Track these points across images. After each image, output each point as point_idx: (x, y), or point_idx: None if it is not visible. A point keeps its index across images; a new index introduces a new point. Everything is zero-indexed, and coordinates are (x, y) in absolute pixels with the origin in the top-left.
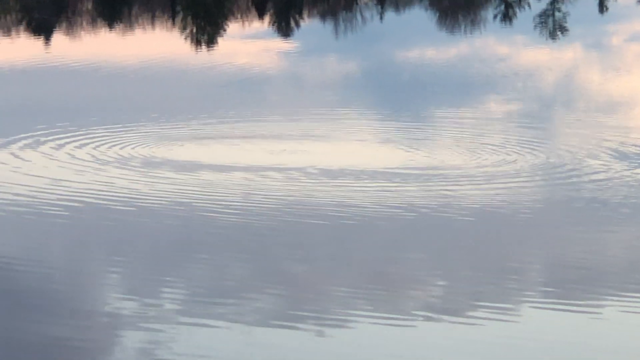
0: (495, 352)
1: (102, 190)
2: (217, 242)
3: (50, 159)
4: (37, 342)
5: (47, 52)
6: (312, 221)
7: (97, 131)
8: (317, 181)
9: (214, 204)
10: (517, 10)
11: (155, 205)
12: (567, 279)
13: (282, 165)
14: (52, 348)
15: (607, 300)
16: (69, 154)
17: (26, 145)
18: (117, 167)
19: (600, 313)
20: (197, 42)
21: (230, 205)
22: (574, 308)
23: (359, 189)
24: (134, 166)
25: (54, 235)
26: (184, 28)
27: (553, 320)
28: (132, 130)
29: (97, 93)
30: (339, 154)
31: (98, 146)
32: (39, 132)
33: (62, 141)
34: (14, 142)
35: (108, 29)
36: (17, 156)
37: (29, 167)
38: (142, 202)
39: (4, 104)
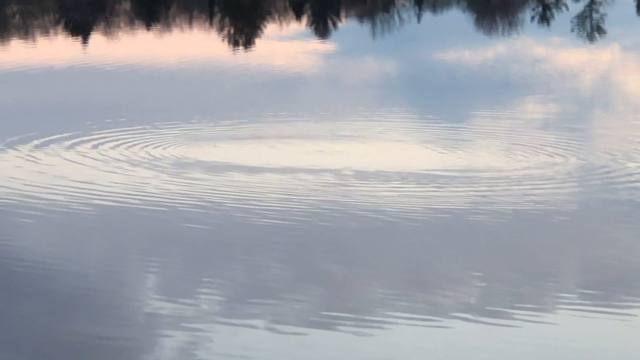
0: (532, 355)
1: (140, 191)
2: (254, 243)
3: (86, 158)
4: (77, 342)
5: (84, 53)
6: (349, 223)
7: (134, 131)
8: (354, 182)
9: (250, 204)
10: (554, 11)
11: (192, 206)
12: (604, 282)
13: (319, 166)
14: (92, 348)
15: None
16: (105, 155)
17: (61, 146)
18: (153, 168)
19: (638, 317)
20: (235, 43)
21: (267, 206)
22: (611, 311)
23: (395, 190)
24: (169, 167)
25: (91, 236)
26: (221, 29)
27: (590, 323)
28: (168, 130)
29: (133, 94)
30: (375, 155)
31: (134, 146)
32: (74, 132)
33: (98, 141)
34: (50, 142)
35: (145, 30)
36: (52, 156)
37: (64, 167)
38: (178, 203)
39: (42, 105)
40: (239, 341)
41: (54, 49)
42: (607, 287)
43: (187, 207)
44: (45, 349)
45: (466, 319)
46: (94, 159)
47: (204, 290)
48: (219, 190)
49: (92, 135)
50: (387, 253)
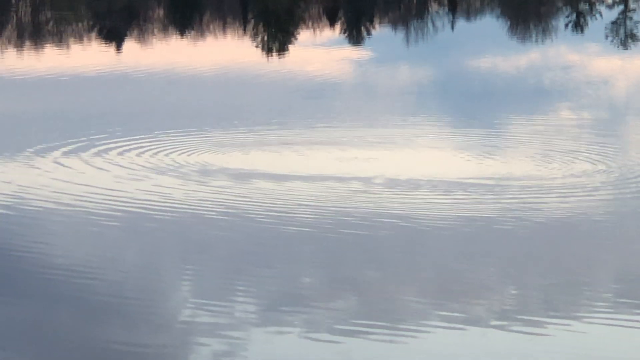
0: None
1: (171, 199)
2: (286, 251)
3: (115, 165)
4: (110, 349)
5: (118, 60)
6: (381, 231)
7: (168, 137)
8: (386, 190)
9: (283, 212)
10: (588, 18)
11: (225, 214)
12: (637, 291)
13: (351, 173)
14: (126, 355)
15: None
16: (133, 162)
17: (93, 152)
18: (183, 175)
19: None
20: (268, 50)
21: (299, 214)
22: None
23: (427, 198)
24: (200, 174)
25: (122, 244)
26: (255, 35)
27: (623, 333)
28: (201, 137)
29: (167, 100)
30: (409, 162)
31: (162, 153)
32: (105, 138)
33: (130, 147)
34: (81, 148)
35: (179, 36)
36: (84, 162)
37: (99, 174)
38: (209, 211)
39: (76, 111)
40: (274, 349)
41: (87, 56)
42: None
43: (219, 215)
44: (79, 356)
45: (500, 327)
46: (124, 166)
47: (238, 298)
48: (251, 198)
49: (126, 141)
50: (420, 261)
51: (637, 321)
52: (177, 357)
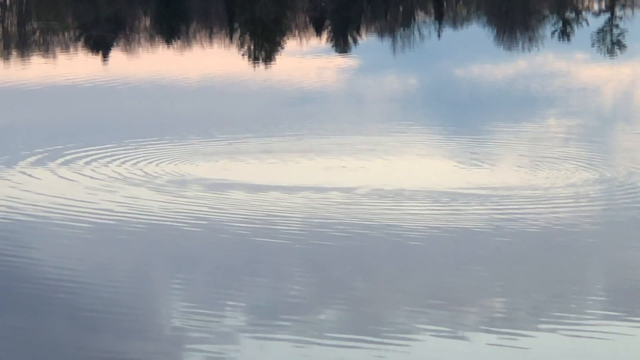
0: None
1: (161, 208)
2: (273, 262)
3: (88, 175)
4: (102, 359)
5: (104, 69)
6: (370, 241)
7: (146, 147)
8: (375, 200)
9: (270, 223)
10: (574, 26)
11: (217, 223)
12: (628, 300)
13: (339, 182)
14: None
15: None
16: (119, 171)
17: (77, 162)
18: (174, 185)
19: None
20: (255, 59)
21: (290, 223)
22: (636, 329)
23: (415, 208)
24: (191, 183)
25: (100, 254)
26: (241, 45)
27: (614, 341)
28: (183, 146)
29: (152, 110)
30: (398, 171)
31: (154, 162)
32: (86, 148)
33: (101, 157)
34: (61, 157)
35: (165, 46)
36: (66, 172)
37: (84, 183)
38: (203, 220)
39: (56, 121)
40: (263, 357)
41: (73, 66)
42: (631, 305)
43: (213, 224)
44: None
45: (490, 336)
46: (109, 175)
47: (224, 308)
48: (244, 207)
49: (99, 151)
50: (409, 270)
51: (625, 331)
52: None
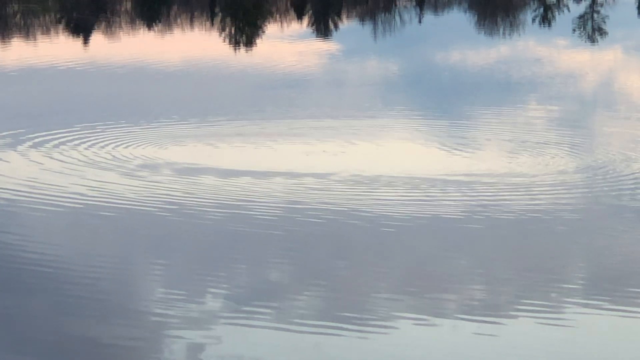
0: (539, 353)
1: (142, 192)
2: (257, 245)
3: (69, 158)
4: (84, 342)
5: (84, 52)
6: (352, 226)
7: (118, 130)
8: (357, 185)
9: (252, 207)
10: (555, 13)
11: (197, 208)
12: (609, 282)
13: (321, 167)
14: (100, 347)
15: None
16: (103, 155)
17: (59, 144)
18: (155, 169)
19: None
20: (236, 43)
21: (268, 209)
22: (617, 308)
23: (397, 194)
24: (172, 166)
25: (82, 237)
26: (222, 29)
27: (594, 325)
28: (167, 129)
29: (129, 93)
30: (378, 156)
31: (138, 146)
32: (55, 131)
33: (93, 141)
34: (43, 141)
35: (147, 29)
36: (47, 155)
37: (67, 166)
38: (181, 205)
39: (32, 103)
40: (245, 342)
41: (53, 49)
42: (611, 288)
43: (193, 208)
44: (54, 347)
45: (470, 321)
46: (92, 160)
47: (210, 292)
48: (223, 192)
49: (68, 134)
50: (390, 256)
51: (605, 317)
52: (150, 350)
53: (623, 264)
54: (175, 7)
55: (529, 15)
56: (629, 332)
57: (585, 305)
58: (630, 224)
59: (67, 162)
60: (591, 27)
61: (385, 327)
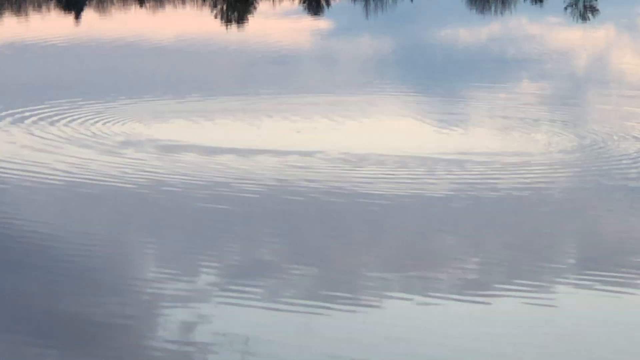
0: (527, 332)
1: (135, 169)
2: (245, 224)
3: (50, 134)
4: (77, 319)
5: (76, 29)
6: (341, 204)
7: (123, 107)
8: (345, 163)
9: (241, 185)
10: None
11: (184, 185)
12: (598, 262)
13: (311, 145)
14: (92, 324)
15: (637, 279)
16: (90, 131)
17: (38, 121)
18: (142, 147)
19: (633, 293)
20: (227, 20)
21: (258, 186)
22: (607, 288)
23: (387, 172)
24: (159, 143)
25: (78, 214)
26: (214, 5)
27: (584, 301)
28: (153, 105)
29: (119, 69)
30: (368, 134)
31: (124, 123)
32: (37, 107)
33: (80, 117)
34: (27, 117)
35: (138, 6)
36: (32, 133)
37: (52, 143)
38: (173, 182)
39: (25, 80)
40: (235, 319)
41: (44, 25)
42: (602, 265)
43: (181, 187)
44: (46, 325)
45: (459, 300)
46: (77, 136)
47: (202, 270)
48: (217, 170)
49: (76, 110)
50: (382, 234)
51: (599, 289)
52: (141, 327)
53: (613, 243)
54: None
55: None
56: (618, 312)
57: (575, 285)
58: (621, 203)
59: (47, 139)
60: (583, 5)
61: (374, 305)
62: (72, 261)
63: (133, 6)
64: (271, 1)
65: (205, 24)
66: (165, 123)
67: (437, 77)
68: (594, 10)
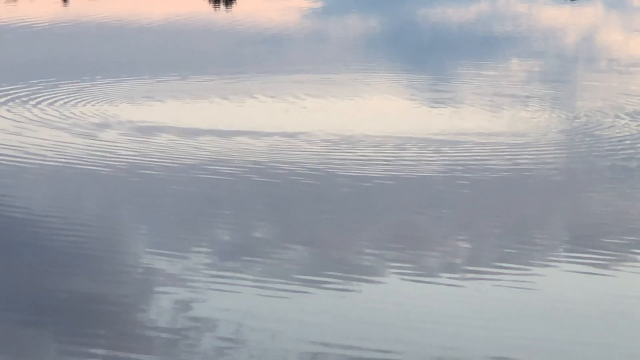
0: (516, 310)
1: (127, 150)
2: (236, 203)
3: (52, 115)
4: (70, 298)
5: (64, 10)
6: (335, 183)
7: (88, 87)
8: (335, 143)
9: (235, 166)
10: None
11: (165, 168)
12: (587, 238)
13: (301, 125)
14: (84, 303)
15: (629, 259)
16: (74, 112)
17: (7, 102)
18: (133, 128)
19: (619, 271)
20: (216, 0)
21: (250, 165)
22: (595, 267)
23: (378, 152)
24: (138, 126)
25: (61, 195)
26: None
27: (571, 280)
28: (147, 84)
29: (112, 50)
30: (357, 114)
31: (110, 103)
32: (17, 88)
33: (67, 98)
34: (13, 98)
35: None
36: (17, 113)
37: (37, 123)
38: (151, 164)
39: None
40: (228, 298)
41: (34, 7)
42: (590, 244)
43: (174, 168)
44: (39, 304)
45: (451, 278)
46: (65, 116)
47: (194, 249)
48: (207, 150)
49: (66, 91)
50: (373, 213)
51: (587, 268)
52: (132, 306)
53: (602, 223)
54: None
55: None
56: (604, 292)
57: (561, 266)
58: (609, 183)
59: (18, 121)
60: None
61: (366, 283)
62: (63, 240)
63: None
64: None
65: (194, 4)
66: (140, 105)
67: (426, 56)
68: None
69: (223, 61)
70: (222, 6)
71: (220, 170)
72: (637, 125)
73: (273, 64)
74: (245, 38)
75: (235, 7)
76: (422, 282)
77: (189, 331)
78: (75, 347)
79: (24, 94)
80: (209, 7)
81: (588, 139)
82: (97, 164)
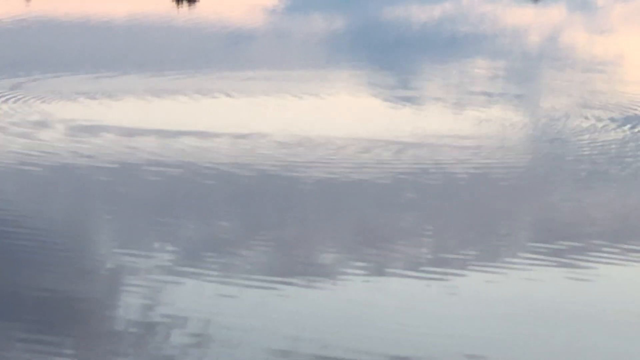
0: (485, 310)
1: (89, 148)
2: (205, 201)
3: (23, 113)
4: (37, 297)
5: (27, 6)
6: (299, 182)
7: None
8: (302, 143)
9: (202, 164)
10: None
11: (147, 163)
12: (554, 236)
13: (267, 124)
14: (52, 302)
15: (593, 257)
16: (45, 111)
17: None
18: (100, 124)
19: (587, 268)
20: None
21: (217, 165)
22: (561, 265)
23: (342, 153)
24: (76, 125)
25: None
26: None
27: (538, 277)
28: (114, 81)
29: (74, 47)
30: (321, 114)
31: (88, 95)
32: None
33: (41, 97)
34: None
35: None
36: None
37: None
38: (138, 159)
39: None
40: (190, 295)
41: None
42: (557, 242)
43: (139, 164)
44: (6, 303)
45: (418, 277)
46: (31, 114)
47: (159, 246)
48: (174, 148)
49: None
50: (338, 212)
51: (553, 265)
52: (103, 304)
53: (568, 220)
54: None
55: None
56: (574, 287)
57: (533, 260)
58: (575, 179)
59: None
60: None
61: (331, 282)
62: (26, 238)
63: None
64: None
65: (158, 2)
66: (80, 103)
67: (390, 55)
68: None
69: (181, 59)
70: (185, 4)
71: (169, 172)
72: (602, 126)
73: (232, 61)
74: (206, 36)
75: (198, 6)
76: (388, 281)
77: (157, 328)
78: (42, 346)
79: None
80: (172, 5)
81: (552, 137)
82: (39, 164)
